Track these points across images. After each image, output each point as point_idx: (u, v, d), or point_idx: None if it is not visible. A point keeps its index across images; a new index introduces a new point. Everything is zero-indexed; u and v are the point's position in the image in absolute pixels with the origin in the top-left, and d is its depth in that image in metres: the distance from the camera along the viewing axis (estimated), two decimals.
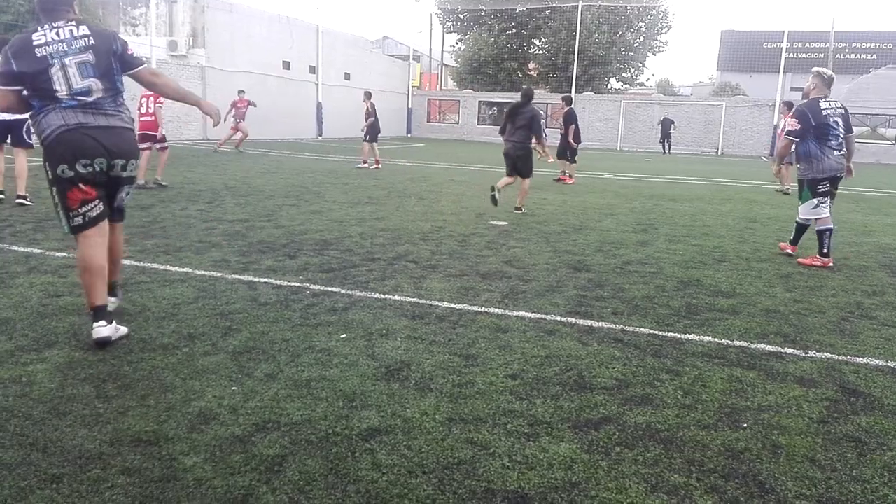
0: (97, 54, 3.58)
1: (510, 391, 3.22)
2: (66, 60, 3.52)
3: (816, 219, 6.60)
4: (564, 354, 3.75)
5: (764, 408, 3.17)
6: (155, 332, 3.81)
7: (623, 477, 2.50)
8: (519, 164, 9.11)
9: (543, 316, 4.46)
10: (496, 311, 4.54)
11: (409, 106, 42.45)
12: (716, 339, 4.13)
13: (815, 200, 6.56)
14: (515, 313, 4.50)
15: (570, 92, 37.81)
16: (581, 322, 4.37)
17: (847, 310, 4.95)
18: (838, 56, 47.10)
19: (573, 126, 14.85)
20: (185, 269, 5.26)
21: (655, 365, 3.66)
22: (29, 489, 2.25)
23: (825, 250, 6.48)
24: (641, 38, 45.12)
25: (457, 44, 48.69)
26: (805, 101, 6.73)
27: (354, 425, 2.79)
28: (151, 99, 10.42)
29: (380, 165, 16.27)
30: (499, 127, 9.72)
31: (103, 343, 3.51)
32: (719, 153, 34.79)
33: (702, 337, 4.17)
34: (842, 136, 6.49)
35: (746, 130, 34.88)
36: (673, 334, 4.20)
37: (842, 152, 6.52)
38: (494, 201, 8.97)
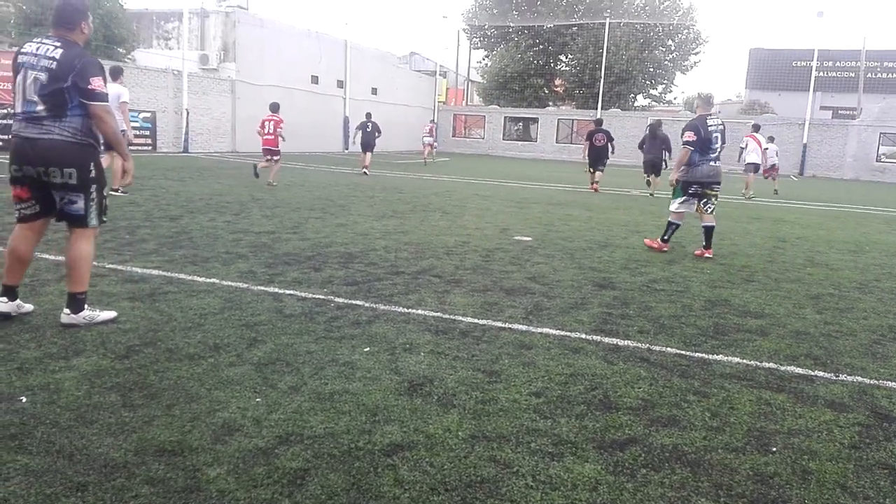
0: (51, 76, 3.82)
1: (534, 409, 3.19)
2: (30, 73, 3.86)
3: (676, 212, 7.80)
4: (589, 373, 3.71)
5: (794, 432, 3.10)
6: (181, 341, 3.85)
7: (649, 500, 2.45)
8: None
9: (568, 333, 4.43)
10: (520, 327, 4.51)
11: (435, 121, 42.64)
12: (744, 361, 4.06)
13: (684, 197, 7.75)
14: (539, 330, 4.47)
15: (597, 108, 37.80)
16: (606, 340, 4.32)
17: (879, 332, 4.85)
18: (869, 75, 46.44)
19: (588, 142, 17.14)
20: (212, 280, 5.31)
21: (682, 386, 3.60)
22: (55, 496, 2.27)
23: (666, 237, 7.93)
24: (671, 56, 44.99)
25: (483, 60, 48.95)
26: (696, 116, 7.86)
27: (377, 440, 2.78)
28: (272, 123, 13.71)
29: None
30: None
31: (1, 317, 3.96)
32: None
33: (730, 358, 4.10)
34: (719, 148, 7.68)
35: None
36: (700, 354, 4.14)
37: (717, 162, 7.68)
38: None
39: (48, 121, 3.85)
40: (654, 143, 17.09)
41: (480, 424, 2.98)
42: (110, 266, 5.61)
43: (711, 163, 7.60)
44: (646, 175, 17.32)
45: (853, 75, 46.63)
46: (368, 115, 19.48)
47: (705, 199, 7.70)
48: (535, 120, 41.53)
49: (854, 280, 6.76)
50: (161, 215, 8.59)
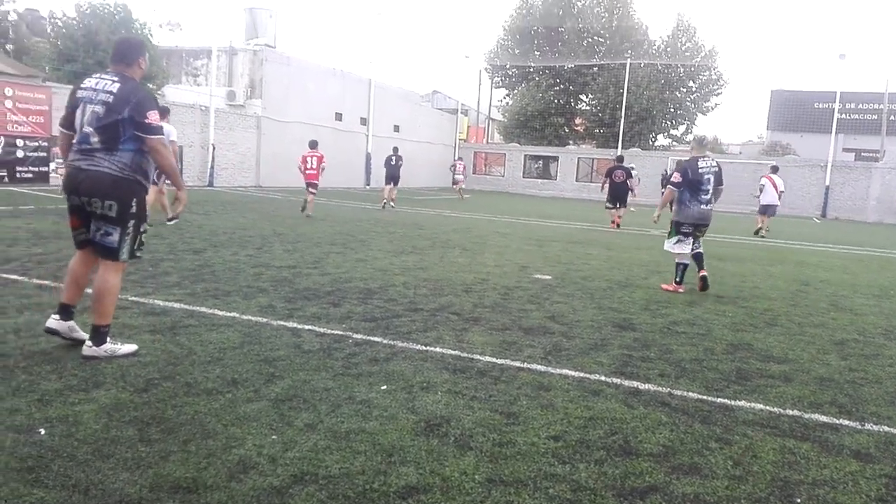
0: (107, 109, 3.98)
1: (552, 453, 3.14)
2: (88, 107, 4.03)
3: (678, 253, 7.93)
4: (609, 417, 3.66)
5: (818, 482, 3.02)
6: (200, 376, 3.86)
7: None
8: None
9: (587, 375, 4.38)
10: (539, 367, 4.47)
11: (457, 158, 43.03)
12: (767, 407, 3.98)
13: (677, 237, 7.92)
14: (558, 371, 4.42)
15: (617, 147, 37.92)
16: (626, 383, 4.27)
17: None
18: (892, 118, 46.18)
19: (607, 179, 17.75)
20: (233, 314, 5.34)
21: (704, 432, 3.53)
22: None
23: (678, 279, 7.92)
24: (692, 97, 45.16)
25: (504, 98, 49.47)
26: (688, 159, 8.07)
27: (392, 481, 2.75)
28: (315, 159, 14.87)
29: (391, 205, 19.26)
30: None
31: (50, 332, 4.16)
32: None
33: (753, 404, 4.03)
34: (711, 190, 7.85)
35: (797, 190, 34.20)
36: (722, 400, 4.07)
37: (709, 204, 7.88)
38: None
39: (100, 153, 3.99)
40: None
41: (497, 468, 2.94)
42: (133, 298, 5.67)
43: (703, 206, 7.82)
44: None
45: (876, 117, 46.41)
46: (395, 149, 20.05)
47: (697, 237, 8.00)
48: (556, 158, 41.69)
49: (879, 325, 6.64)
50: (184, 248, 8.70)
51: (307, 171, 14.93)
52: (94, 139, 3.99)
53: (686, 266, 7.93)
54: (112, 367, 3.90)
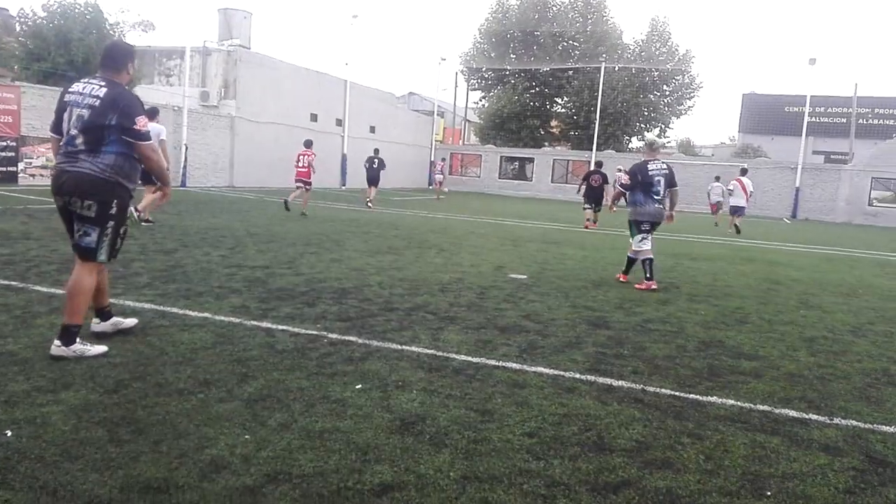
0: (92, 113, 4.01)
1: (527, 450, 3.15)
2: (74, 110, 4.06)
3: (640, 250, 8.34)
4: (583, 413, 3.68)
5: (788, 476, 3.07)
6: (171, 376, 3.81)
7: None
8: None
9: (562, 372, 4.40)
10: (514, 365, 4.49)
11: (432, 159, 43.04)
12: (738, 403, 4.04)
13: (640, 236, 8.38)
14: (533, 369, 4.44)
15: (592, 149, 38.20)
16: (600, 380, 4.30)
17: (873, 376, 4.83)
18: (861, 121, 47.17)
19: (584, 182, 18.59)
20: (205, 315, 5.28)
21: (677, 427, 3.57)
22: None
23: (649, 275, 8.19)
24: (666, 100, 45.67)
25: (480, 101, 49.61)
26: (639, 162, 8.61)
27: (367, 480, 2.74)
28: (306, 157, 15.78)
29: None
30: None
31: (98, 336, 4.36)
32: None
33: (724, 400, 4.08)
34: (663, 190, 8.36)
35: (768, 192, 34.76)
36: (695, 396, 4.12)
37: (661, 203, 8.44)
38: None
39: (83, 154, 4.03)
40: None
41: (472, 465, 2.95)
42: None
43: (656, 204, 8.42)
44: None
45: (845, 121, 47.40)
46: (376, 151, 20.60)
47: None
48: (531, 160, 41.90)
49: (848, 323, 6.77)
50: (156, 249, 8.59)
51: (298, 168, 15.92)
52: (79, 141, 4.02)
53: (651, 260, 8.33)
54: (81, 368, 3.84)
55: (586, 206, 18.27)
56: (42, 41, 21.73)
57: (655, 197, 8.34)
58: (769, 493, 2.87)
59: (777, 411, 3.94)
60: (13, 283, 5.96)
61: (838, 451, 3.39)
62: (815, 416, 3.89)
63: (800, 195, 34.55)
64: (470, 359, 4.58)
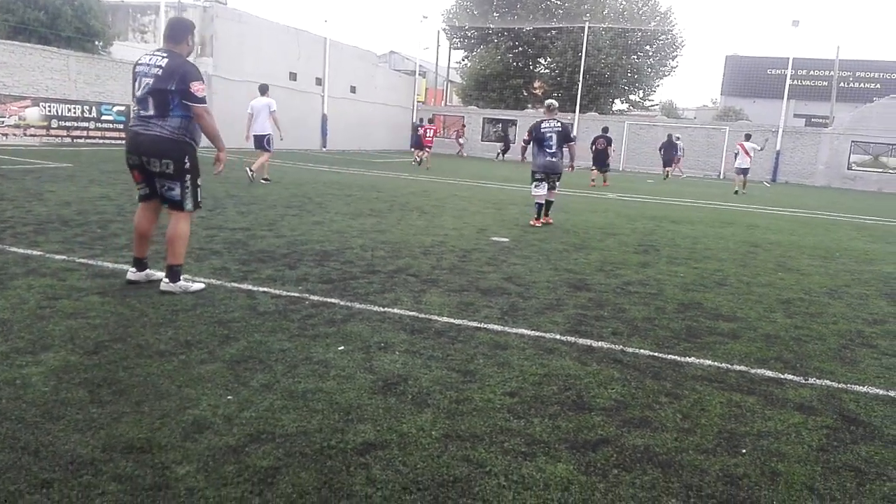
0: (157, 80, 4.53)
1: (508, 409, 3.19)
2: (143, 80, 4.59)
3: (536, 195, 10.01)
4: (563, 374, 3.73)
5: (763, 434, 3.14)
6: (152, 337, 3.79)
7: (620, 500, 2.47)
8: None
9: (543, 334, 4.44)
10: (495, 327, 4.52)
11: (414, 120, 42.65)
12: (716, 363, 4.11)
13: (535, 183, 10.00)
14: (515, 330, 4.48)
15: (575, 111, 38.04)
16: (581, 341, 4.35)
17: (847, 337, 4.93)
18: (842, 84, 47.29)
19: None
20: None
21: (655, 387, 3.63)
22: (18, 493, 2.22)
23: (537, 215, 10.00)
24: (650, 61, 45.41)
25: (463, 60, 49.01)
26: (537, 121, 10.22)
27: (350, 439, 2.76)
28: (431, 130, 22.45)
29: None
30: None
31: (131, 283, 4.83)
32: (721, 177, 34.85)
33: (702, 360, 4.15)
34: (555, 145, 9.87)
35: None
36: (673, 357, 4.18)
37: (554, 157, 9.94)
38: None
39: (154, 119, 4.57)
40: (670, 149, 26.99)
41: (454, 424, 2.98)
42: (80, 261, 5.52)
43: (548, 157, 9.91)
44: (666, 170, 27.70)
45: (826, 84, 47.48)
46: (421, 120, 22.19)
47: (549, 182, 10.00)
48: (514, 122, 41.65)
49: (824, 285, 6.88)
50: (133, 209, 8.45)
51: (425, 140, 22.75)
52: (149, 106, 4.55)
53: (541, 206, 10.00)
54: (61, 329, 3.80)
55: (593, 167, 20.88)
56: (16, 17, 21.02)
57: (548, 151, 9.85)
58: (744, 451, 2.94)
59: (753, 371, 4.02)
60: None
61: (812, 410, 3.47)
62: (790, 376, 3.98)
63: (780, 159, 34.77)
64: (452, 321, 4.60)
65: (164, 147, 4.59)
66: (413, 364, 3.69)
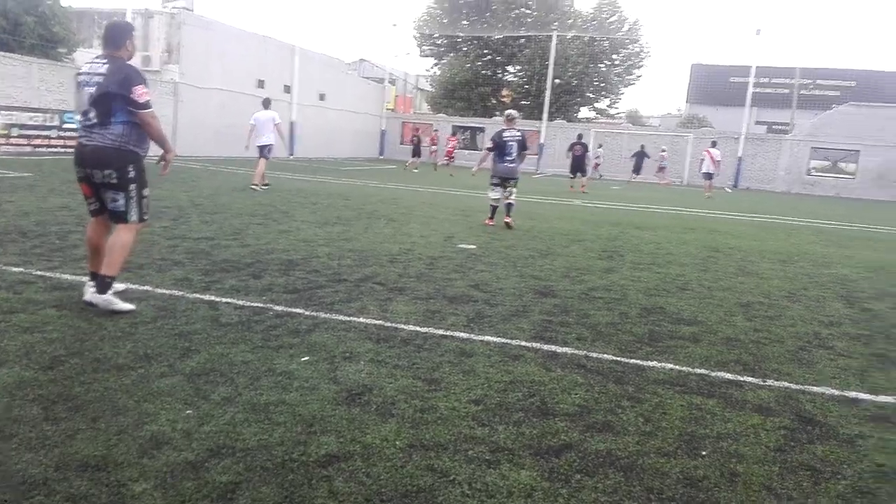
0: (98, 88, 4.38)
1: (472, 417, 3.19)
2: (85, 89, 4.44)
3: (491, 198, 10.89)
4: (528, 380, 3.74)
5: (723, 436, 3.19)
6: (110, 351, 3.72)
7: None
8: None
9: (508, 341, 4.46)
10: (462, 334, 4.53)
11: (383, 128, 42.60)
12: (677, 367, 4.16)
13: (491, 188, 10.87)
14: (481, 337, 4.49)
15: (542, 118, 38.33)
16: (545, 347, 4.37)
17: (805, 339, 5.04)
18: (803, 91, 48.42)
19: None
20: (146, 288, 5.15)
21: (617, 392, 3.67)
22: None
23: (490, 217, 10.89)
24: (616, 70, 46.02)
25: (432, 68, 49.15)
26: (499, 130, 10.91)
27: (312, 451, 2.74)
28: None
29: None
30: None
31: (88, 304, 4.45)
32: (685, 183, 35.39)
33: (663, 364, 4.20)
34: (515, 153, 10.68)
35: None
36: (635, 361, 4.23)
37: (513, 163, 10.72)
38: None
39: (96, 128, 4.42)
40: (640, 158, 31.42)
41: (418, 433, 2.97)
42: (38, 273, 5.39)
43: (507, 164, 10.72)
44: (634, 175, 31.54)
45: (788, 91, 48.54)
46: (417, 129, 23.14)
47: (506, 188, 10.75)
48: (482, 129, 41.81)
49: (783, 289, 7.02)
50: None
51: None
52: (91, 115, 4.41)
53: (495, 208, 10.87)
54: (16, 345, 3.71)
55: (571, 174, 21.74)
56: None
57: (507, 158, 10.68)
58: (704, 453, 2.99)
59: (713, 374, 4.08)
60: None
61: (770, 412, 3.54)
62: (749, 379, 4.05)
63: (742, 165, 35.44)
64: (418, 329, 4.59)
65: (106, 156, 4.41)
66: (378, 373, 3.68)
